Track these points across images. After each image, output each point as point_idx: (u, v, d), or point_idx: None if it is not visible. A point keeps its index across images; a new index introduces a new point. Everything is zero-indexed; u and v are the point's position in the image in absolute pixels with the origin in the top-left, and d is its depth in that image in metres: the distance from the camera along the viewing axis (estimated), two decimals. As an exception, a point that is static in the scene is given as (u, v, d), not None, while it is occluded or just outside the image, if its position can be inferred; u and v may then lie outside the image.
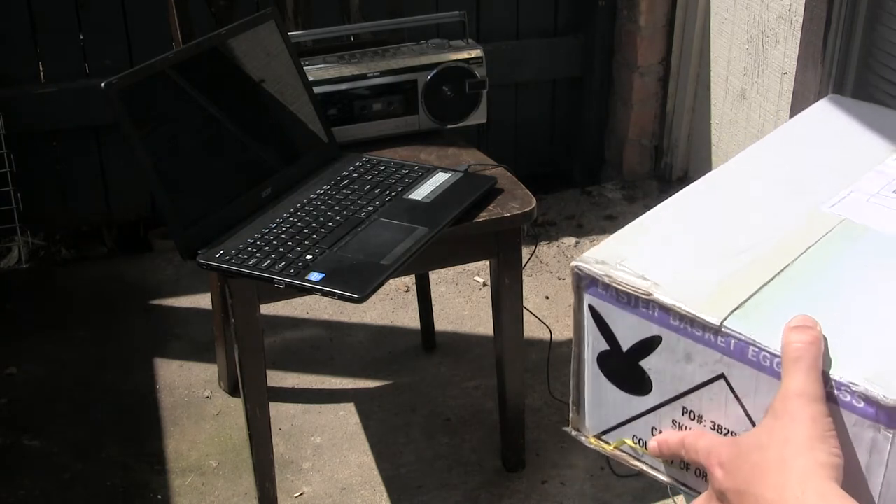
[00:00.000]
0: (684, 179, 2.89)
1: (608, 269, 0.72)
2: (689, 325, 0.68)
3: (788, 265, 0.73)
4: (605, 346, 0.74)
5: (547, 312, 2.33)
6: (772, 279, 0.71)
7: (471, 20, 2.36)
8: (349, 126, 1.80)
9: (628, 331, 0.72)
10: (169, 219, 1.48)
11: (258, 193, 1.59)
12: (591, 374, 0.76)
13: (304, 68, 1.72)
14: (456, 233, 1.59)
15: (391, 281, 1.56)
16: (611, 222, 2.74)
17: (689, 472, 0.73)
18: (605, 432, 0.78)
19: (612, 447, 0.77)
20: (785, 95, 2.37)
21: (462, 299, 2.42)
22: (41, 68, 2.50)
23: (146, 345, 2.26)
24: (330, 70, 1.78)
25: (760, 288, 0.70)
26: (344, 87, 1.78)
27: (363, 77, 1.79)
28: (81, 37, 2.49)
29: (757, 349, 0.66)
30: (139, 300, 2.41)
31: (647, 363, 0.72)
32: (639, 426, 0.75)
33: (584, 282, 0.73)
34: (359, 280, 1.40)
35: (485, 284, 2.46)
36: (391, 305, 2.39)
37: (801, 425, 0.63)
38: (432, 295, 2.22)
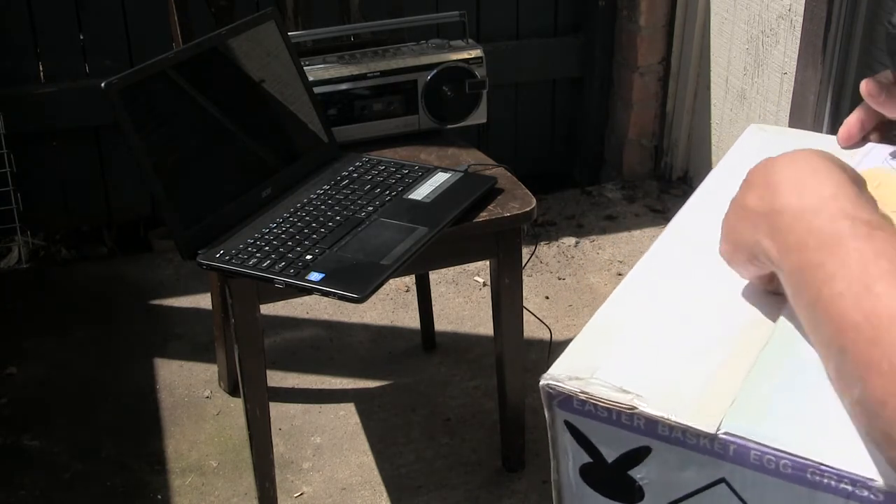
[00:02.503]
0: (684, 179, 2.89)
1: (583, 385, 0.67)
2: (682, 434, 0.65)
3: (767, 345, 0.69)
4: (587, 459, 0.70)
5: (547, 312, 2.33)
6: (754, 366, 0.67)
7: (471, 20, 2.36)
8: (349, 126, 1.80)
9: (612, 444, 0.68)
10: (169, 219, 1.48)
11: (258, 193, 1.59)
12: (575, 486, 0.72)
13: (304, 68, 1.72)
14: (456, 233, 1.59)
15: (391, 281, 1.56)
16: (611, 222, 2.74)
17: None
18: None
19: None
20: (785, 95, 2.37)
21: (462, 299, 2.42)
22: (41, 68, 2.50)
23: (146, 345, 2.26)
24: (330, 70, 1.78)
25: (746, 379, 0.67)
26: (344, 87, 1.78)
27: (363, 77, 1.79)
28: (81, 37, 2.49)
29: (759, 452, 0.62)
30: (139, 300, 2.41)
31: (636, 472, 0.68)
32: None
33: (556, 399, 0.69)
34: (359, 280, 1.40)
35: (485, 284, 2.46)
36: (391, 305, 2.39)
37: None
38: (432, 295, 2.22)
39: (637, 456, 0.67)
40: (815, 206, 0.63)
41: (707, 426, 0.64)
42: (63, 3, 2.43)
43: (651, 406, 0.65)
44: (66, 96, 2.47)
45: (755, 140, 0.97)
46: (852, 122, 0.92)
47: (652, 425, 0.66)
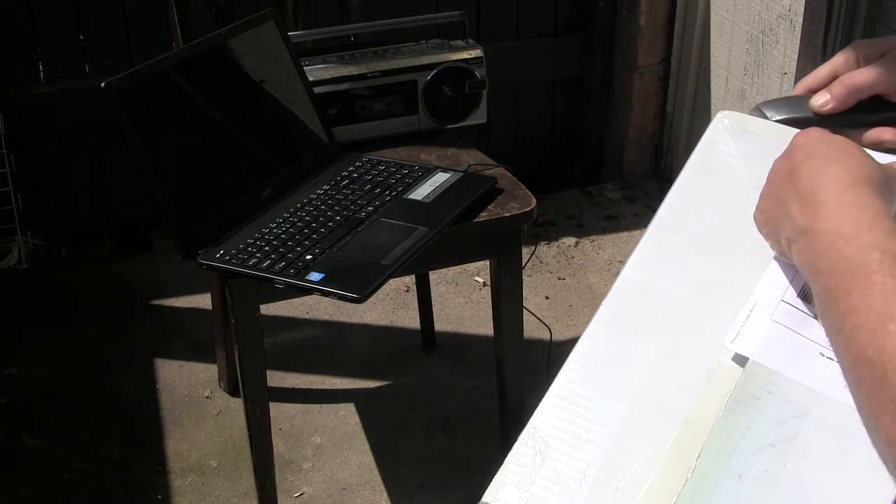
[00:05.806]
0: (684, 179, 2.89)
1: None
2: None
3: (693, 471, 0.68)
4: None
5: (547, 312, 2.33)
6: None
7: (471, 20, 2.36)
8: (349, 126, 1.80)
9: None
10: (169, 219, 1.48)
11: (258, 193, 1.59)
12: None
13: (304, 68, 1.72)
14: (456, 233, 1.59)
15: (391, 281, 1.56)
16: (611, 222, 2.74)
17: None
18: None
19: None
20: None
21: (462, 299, 2.42)
22: (41, 68, 2.50)
23: (146, 345, 2.26)
24: (330, 70, 1.78)
25: None
26: (344, 87, 1.78)
27: (363, 77, 1.79)
28: (81, 37, 2.49)
29: None
30: (139, 300, 2.41)
31: None
32: None
33: None
34: (359, 280, 1.40)
35: (485, 284, 2.46)
36: (391, 305, 2.39)
37: None
38: (432, 295, 2.22)
39: None
40: (849, 234, 0.63)
41: None
42: (63, 3, 2.43)
43: None
44: (66, 96, 2.47)
45: (724, 136, 0.87)
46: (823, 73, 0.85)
47: None
